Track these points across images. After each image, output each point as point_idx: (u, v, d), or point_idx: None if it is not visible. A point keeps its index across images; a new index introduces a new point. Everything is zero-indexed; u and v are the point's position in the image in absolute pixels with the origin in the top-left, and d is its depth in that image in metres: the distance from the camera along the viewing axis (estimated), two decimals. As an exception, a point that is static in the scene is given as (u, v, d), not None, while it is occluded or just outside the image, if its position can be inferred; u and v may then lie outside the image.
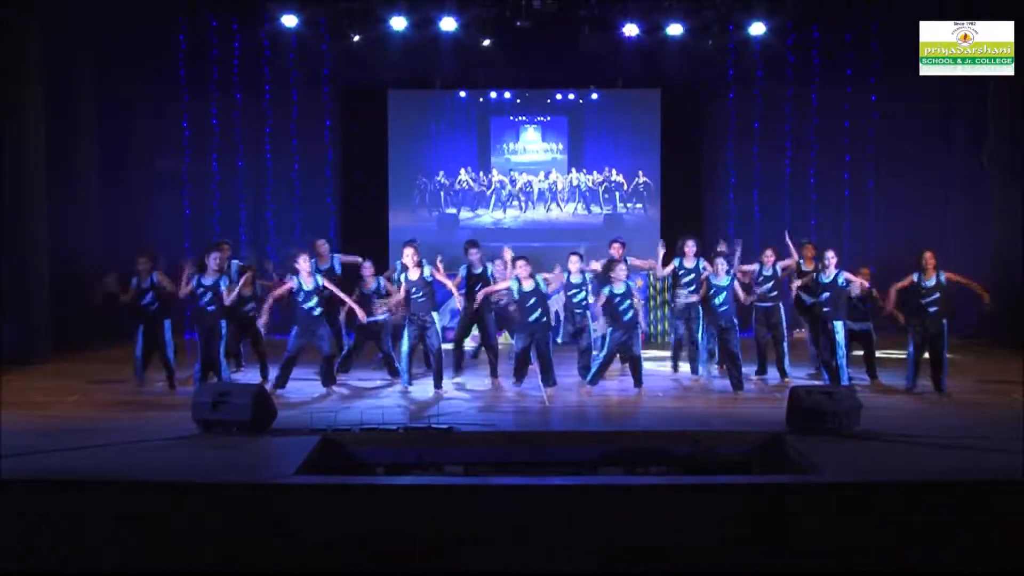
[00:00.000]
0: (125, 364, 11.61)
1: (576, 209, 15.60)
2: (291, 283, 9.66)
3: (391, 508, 6.11)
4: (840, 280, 9.83)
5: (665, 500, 6.18)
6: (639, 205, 15.46)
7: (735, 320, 9.89)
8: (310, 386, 10.15)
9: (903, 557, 5.89)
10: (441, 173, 15.56)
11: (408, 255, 9.74)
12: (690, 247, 10.39)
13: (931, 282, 9.57)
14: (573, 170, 15.61)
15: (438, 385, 9.78)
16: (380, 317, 10.27)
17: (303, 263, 9.65)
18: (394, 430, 7.67)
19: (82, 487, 6.13)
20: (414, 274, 9.73)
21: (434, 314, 9.83)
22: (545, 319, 9.63)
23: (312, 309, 9.65)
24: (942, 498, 6.09)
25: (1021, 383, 9.50)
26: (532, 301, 9.52)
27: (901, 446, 7.32)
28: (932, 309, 9.56)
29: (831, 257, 9.88)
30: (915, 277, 9.66)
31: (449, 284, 10.13)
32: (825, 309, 9.91)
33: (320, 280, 9.73)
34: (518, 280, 9.55)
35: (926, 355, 9.68)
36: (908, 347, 9.72)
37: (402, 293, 9.80)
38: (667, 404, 9.26)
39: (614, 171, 15.54)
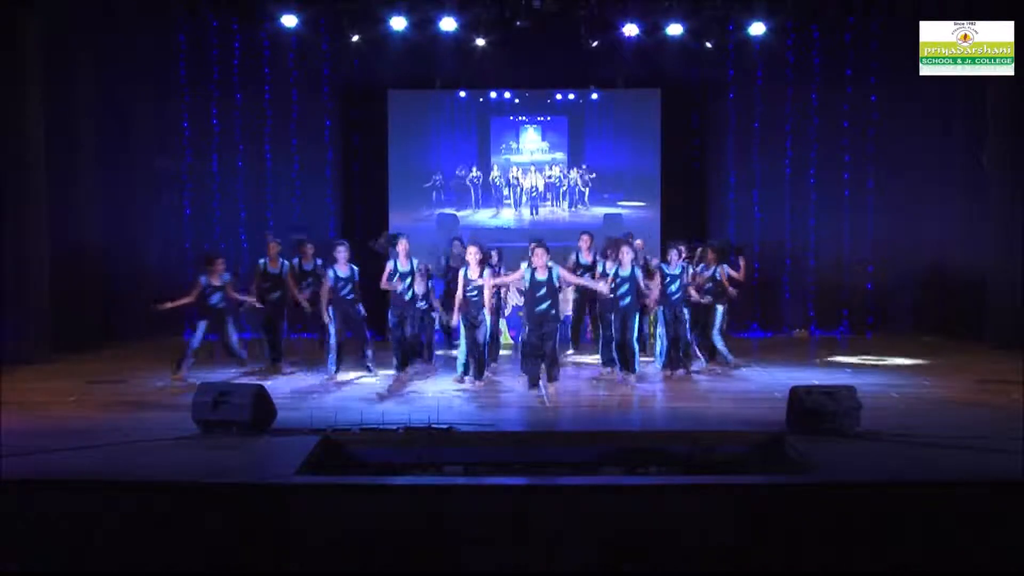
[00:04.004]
0: (125, 364, 11.66)
1: (576, 208, 15.60)
2: (390, 266, 10.20)
3: (391, 508, 6.11)
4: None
5: (665, 500, 6.19)
6: (628, 204, 15.57)
7: (685, 309, 10.49)
8: (310, 386, 10.18)
9: (903, 557, 5.89)
10: (442, 173, 15.55)
11: (472, 253, 10.01)
12: (672, 255, 10.57)
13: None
14: (573, 170, 15.61)
15: (478, 377, 10.08)
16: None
17: (403, 245, 10.21)
18: (394, 430, 7.67)
19: (82, 487, 6.13)
20: (473, 272, 9.94)
21: (484, 311, 10.06)
22: (554, 311, 9.60)
23: (403, 292, 10.15)
24: (942, 498, 6.08)
25: (1021, 383, 9.51)
26: (542, 292, 9.48)
27: (901, 446, 7.32)
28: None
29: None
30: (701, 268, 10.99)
31: (509, 279, 10.41)
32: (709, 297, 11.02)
33: (416, 263, 10.32)
34: (533, 269, 9.52)
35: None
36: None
37: (460, 291, 10.00)
38: (667, 404, 9.27)
39: (585, 167, 15.64)
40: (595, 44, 13.82)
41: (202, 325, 10.64)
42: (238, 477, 6.41)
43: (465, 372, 10.13)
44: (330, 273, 10.51)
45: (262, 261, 11.34)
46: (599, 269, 10.77)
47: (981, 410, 8.76)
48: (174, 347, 13.19)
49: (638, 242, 11.44)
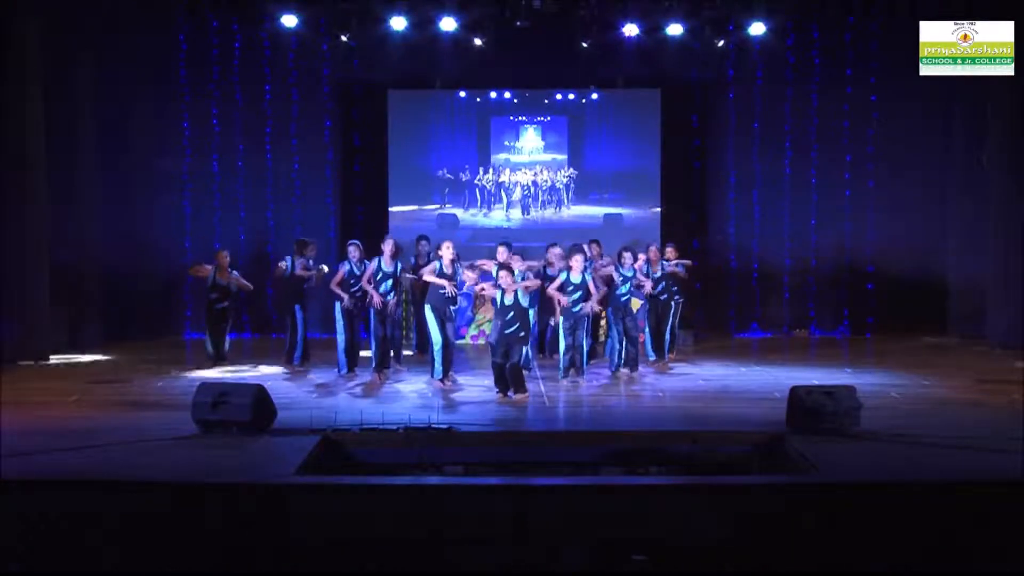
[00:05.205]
0: (125, 364, 11.66)
1: (575, 209, 15.59)
2: (373, 265, 10.40)
3: (391, 508, 6.11)
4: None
5: (665, 500, 6.19)
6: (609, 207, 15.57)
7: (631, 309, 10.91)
8: (310, 386, 10.18)
9: (903, 557, 5.89)
10: (443, 172, 15.54)
11: (446, 248, 10.18)
12: (626, 257, 10.75)
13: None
14: (571, 169, 15.61)
15: (444, 375, 10.06)
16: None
17: (387, 246, 10.45)
18: (394, 430, 7.67)
19: (82, 487, 6.14)
20: (447, 269, 10.10)
21: (453, 308, 10.19)
22: (523, 333, 9.39)
23: (386, 293, 10.38)
24: (942, 498, 6.09)
25: (1021, 383, 9.51)
26: (510, 315, 9.28)
27: (901, 446, 7.33)
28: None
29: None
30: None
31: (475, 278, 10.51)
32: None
33: (399, 266, 10.56)
34: (502, 291, 9.35)
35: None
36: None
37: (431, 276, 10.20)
38: (667, 404, 9.27)
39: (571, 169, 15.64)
40: (594, 44, 13.82)
41: (298, 311, 11.31)
42: (238, 477, 6.41)
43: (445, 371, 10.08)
44: (344, 268, 10.75)
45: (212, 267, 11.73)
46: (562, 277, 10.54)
47: (981, 410, 8.77)
48: (173, 347, 13.28)
49: (596, 250, 11.82)
